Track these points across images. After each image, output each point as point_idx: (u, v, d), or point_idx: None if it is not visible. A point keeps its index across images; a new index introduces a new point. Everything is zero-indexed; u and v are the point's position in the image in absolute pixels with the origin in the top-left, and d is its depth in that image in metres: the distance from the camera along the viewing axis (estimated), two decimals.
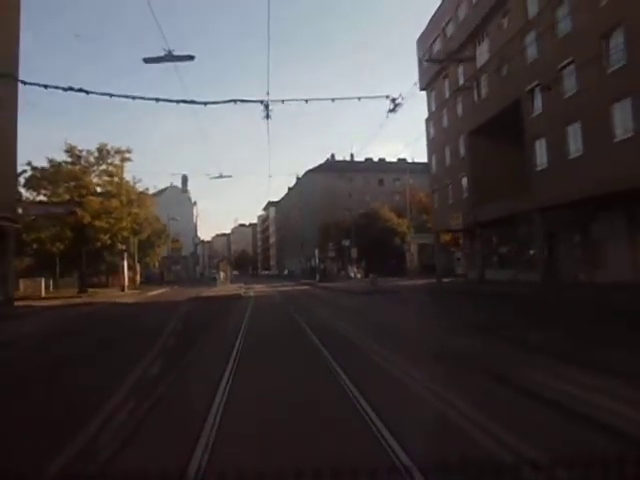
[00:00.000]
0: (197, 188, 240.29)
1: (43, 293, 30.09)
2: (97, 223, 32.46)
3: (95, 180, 35.21)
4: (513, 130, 25.08)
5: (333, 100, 15.06)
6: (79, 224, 31.15)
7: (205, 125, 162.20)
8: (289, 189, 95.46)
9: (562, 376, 5.76)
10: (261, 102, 13.64)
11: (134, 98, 12.88)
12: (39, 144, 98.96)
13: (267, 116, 13.76)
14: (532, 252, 26.40)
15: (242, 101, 13.48)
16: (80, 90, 11.37)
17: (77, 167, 33.65)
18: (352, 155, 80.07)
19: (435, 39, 35.55)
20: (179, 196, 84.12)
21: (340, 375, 6.30)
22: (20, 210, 23.76)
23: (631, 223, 20.16)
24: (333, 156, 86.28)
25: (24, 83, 12.20)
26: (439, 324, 12.61)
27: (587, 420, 4.25)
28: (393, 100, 14.12)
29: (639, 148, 17.16)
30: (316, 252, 53.71)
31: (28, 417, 5.06)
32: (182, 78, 66.72)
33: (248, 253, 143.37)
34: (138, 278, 45.54)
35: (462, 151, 32.38)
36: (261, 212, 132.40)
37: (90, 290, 32.94)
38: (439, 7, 34.81)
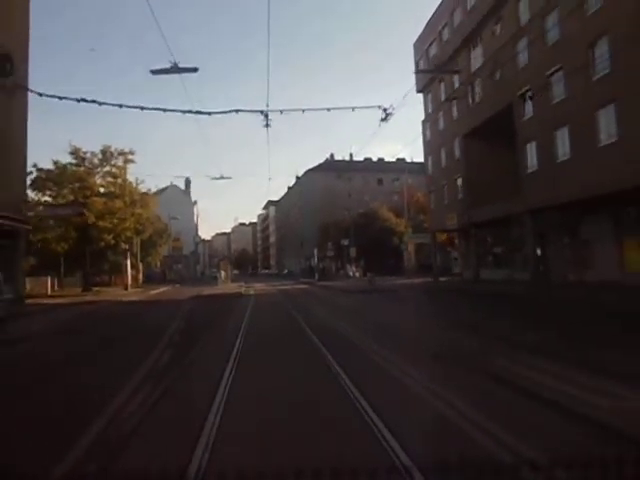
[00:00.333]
0: (198, 188, 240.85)
1: (49, 291, 30.94)
2: (101, 223, 33.26)
3: (99, 181, 36.08)
4: (506, 133, 25.81)
5: (329, 110, 15.87)
6: (83, 224, 31.96)
7: (206, 127, 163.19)
8: (289, 188, 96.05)
9: (554, 374, 5.96)
10: (261, 112, 14.50)
11: (142, 109, 13.68)
12: (41, 144, 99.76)
13: (267, 125, 14.58)
14: (524, 252, 27.17)
15: (244, 111, 14.33)
16: (93, 101, 12.17)
17: (82, 169, 34.47)
18: (351, 155, 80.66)
19: (431, 43, 36.28)
20: (180, 195, 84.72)
21: (334, 366, 6.71)
22: (31, 212, 24.50)
23: (617, 225, 20.94)
24: (332, 156, 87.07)
25: (40, 95, 12.97)
26: (430, 322, 13.19)
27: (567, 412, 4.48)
28: (385, 110, 14.94)
29: (622, 153, 17.93)
30: (315, 251, 54.47)
31: (41, 416, 5.18)
32: (183, 78, 67.30)
33: (248, 252, 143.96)
34: (140, 277, 46.33)
35: (457, 153, 33.15)
36: (261, 211, 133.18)
37: (94, 289, 33.77)
38: (435, 12, 35.53)
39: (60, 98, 12.04)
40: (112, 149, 35.28)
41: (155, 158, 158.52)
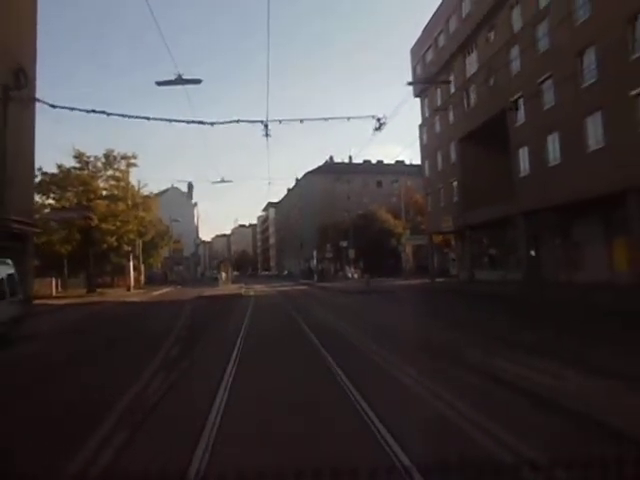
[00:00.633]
0: (198, 190, 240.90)
1: (54, 292, 31.59)
2: (104, 226, 33.83)
3: (102, 185, 36.71)
4: (500, 138, 26.46)
5: (327, 119, 16.59)
6: (87, 227, 32.55)
7: (207, 132, 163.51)
8: (288, 190, 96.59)
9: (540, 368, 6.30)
10: (261, 122, 15.17)
11: (149, 119, 14.35)
12: (45, 148, 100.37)
13: (266, 134, 15.25)
14: (518, 254, 27.78)
15: (244, 121, 15.03)
16: (102, 112, 12.85)
17: (85, 172, 35.12)
18: (350, 157, 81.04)
19: (428, 49, 37.01)
20: (180, 198, 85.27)
21: (334, 366, 6.98)
22: (38, 216, 25.14)
23: (607, 228, 21.59)
24: (332, 158, 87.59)
25: (53, 107, 13.62)
26: (427, 322, 13.52)
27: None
28: (378, 120, 15.63)
29: (610, 158, 18.60)
30: (314, 253, 55.05)
31: (51, 416, 5.34)
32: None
33: (248, 254, 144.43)
34: (142, 278, 46.92)
35: (453, 157, 33.82)
36: (261, 213, 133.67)
37: (98, 290, 34.42)
38: (431, 18, 36.26)
39: (71, 109, 12.73)
40: (115, 153, 36.04)
41: (156, 162, 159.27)
